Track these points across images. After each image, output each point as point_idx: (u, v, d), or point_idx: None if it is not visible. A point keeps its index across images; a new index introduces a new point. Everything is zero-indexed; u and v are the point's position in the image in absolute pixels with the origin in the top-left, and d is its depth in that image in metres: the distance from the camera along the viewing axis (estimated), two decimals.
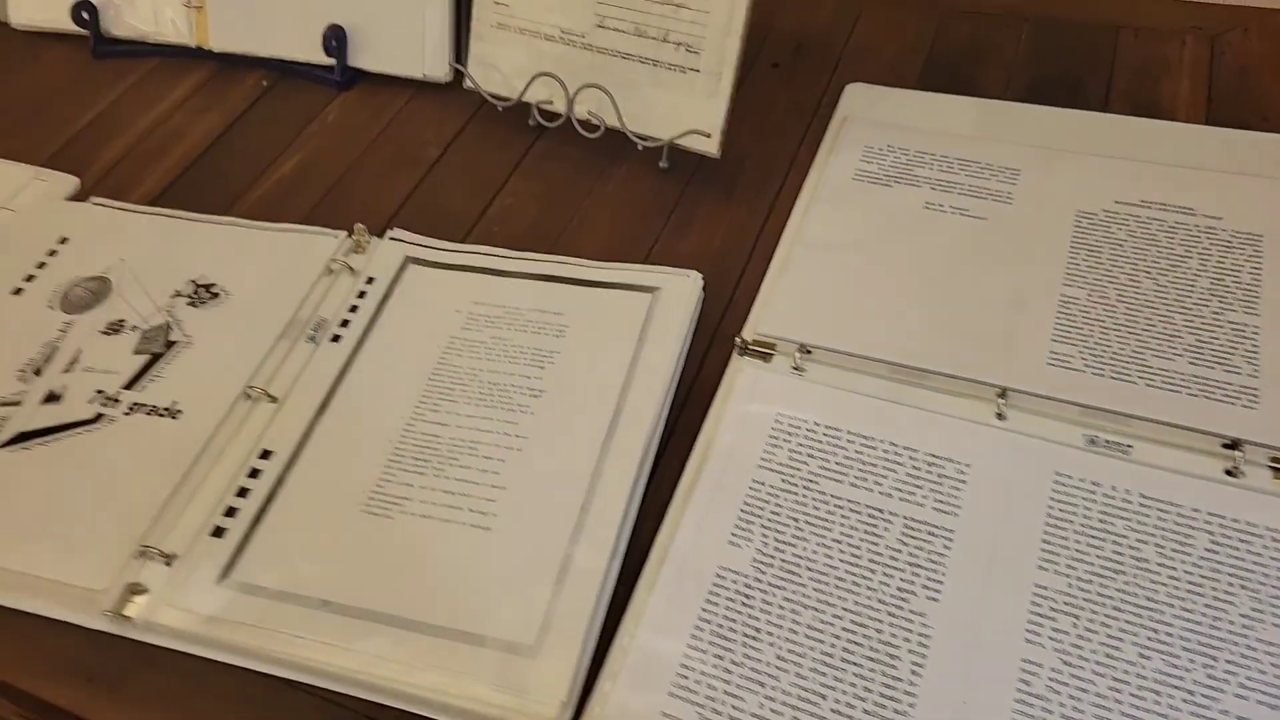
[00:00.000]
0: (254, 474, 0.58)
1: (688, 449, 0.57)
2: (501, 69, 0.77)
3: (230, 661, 0.52)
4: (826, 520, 0.52)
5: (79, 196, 0.79)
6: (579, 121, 0.74)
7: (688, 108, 0.70)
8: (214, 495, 0.57)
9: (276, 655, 0.51)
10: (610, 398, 0.59)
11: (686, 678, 0.48)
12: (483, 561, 0.53)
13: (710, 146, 0.69)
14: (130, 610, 0.53)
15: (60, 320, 0.69)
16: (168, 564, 0.55)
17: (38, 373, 0.65)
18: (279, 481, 0.58)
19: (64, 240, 0.74)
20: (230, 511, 0.57)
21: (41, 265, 0.72)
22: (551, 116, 0.76)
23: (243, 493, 0.57)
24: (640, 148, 0.72)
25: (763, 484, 0.54)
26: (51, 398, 0.64)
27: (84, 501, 0.58)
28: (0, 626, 0.54)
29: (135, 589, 0.54)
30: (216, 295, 0.69)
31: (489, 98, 0.78)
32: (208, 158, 0.81)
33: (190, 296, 0.69)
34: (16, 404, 0.64)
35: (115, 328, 0.68)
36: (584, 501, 0.55)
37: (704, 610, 0.50)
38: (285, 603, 0.52)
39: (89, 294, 0.70)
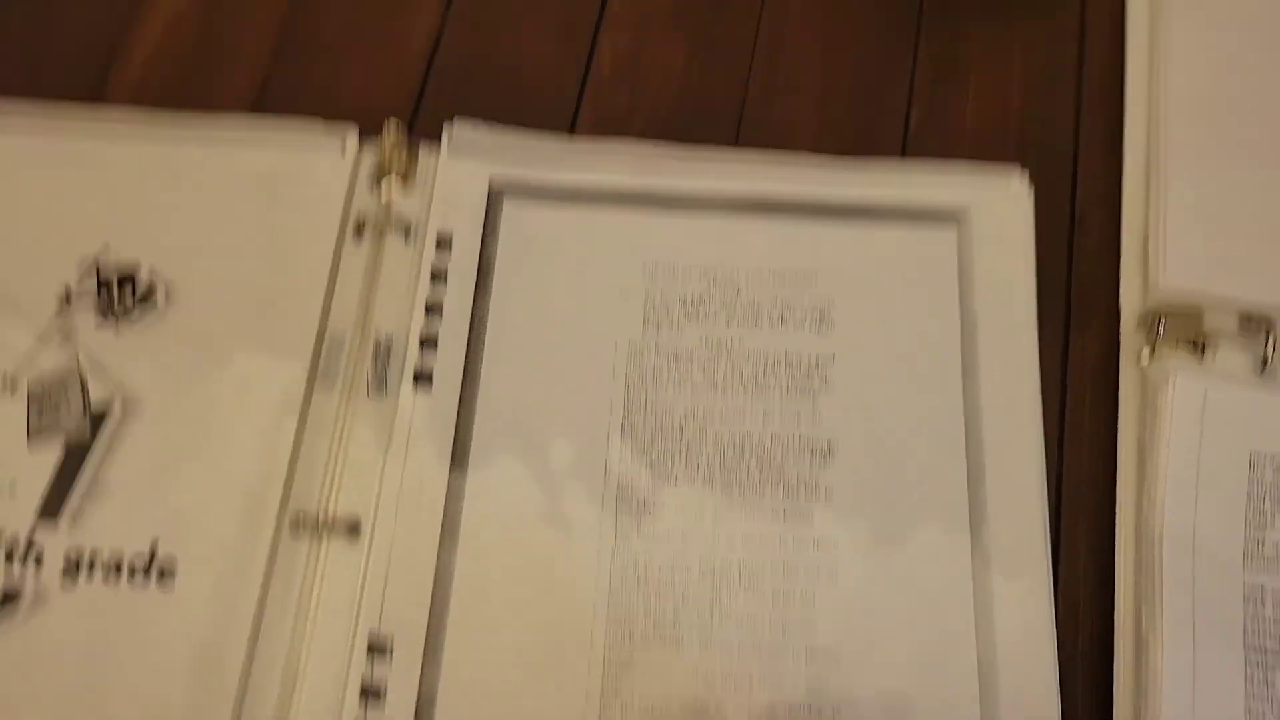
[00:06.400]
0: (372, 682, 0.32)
1: (1086, 527, 0.35)
2: None
3: None
4: None
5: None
6: None
7: None
8: None
9: None
10: (952, 452, 0.34)
11: None
12: None
13: None
14: None
15: None
16: None
17: None
18: None
19: None
20: None
21: None
22: None
23: None
24: None
25: (1262, 589, 0.33)
26: None
27: None
28: None
29: None
30: (147, 297, 0.37)
31: None
32: None
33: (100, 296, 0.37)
34: None
35: None
36: (980, 662, 0.32)
37: None
38: None
39: None
